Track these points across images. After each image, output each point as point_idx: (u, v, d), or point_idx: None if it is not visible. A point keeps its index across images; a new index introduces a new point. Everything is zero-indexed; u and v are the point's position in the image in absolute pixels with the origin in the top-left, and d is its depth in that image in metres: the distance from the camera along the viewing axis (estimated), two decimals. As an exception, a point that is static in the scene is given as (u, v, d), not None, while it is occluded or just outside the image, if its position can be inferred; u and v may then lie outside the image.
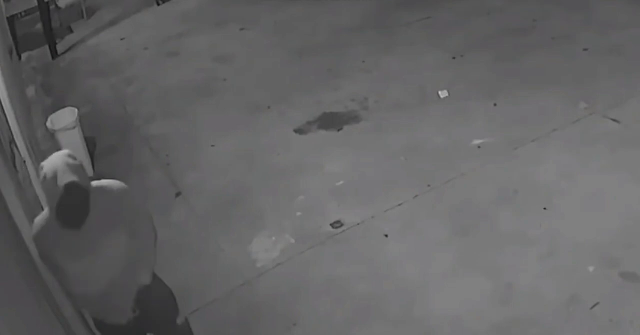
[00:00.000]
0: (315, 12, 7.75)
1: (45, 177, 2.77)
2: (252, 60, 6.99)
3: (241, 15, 8.01)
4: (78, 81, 7.27)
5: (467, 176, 4.82)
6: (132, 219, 3.08)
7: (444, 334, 3.75)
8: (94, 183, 2.97)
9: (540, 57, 6.02)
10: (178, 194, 5.21)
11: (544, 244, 4.15)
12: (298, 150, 5.47)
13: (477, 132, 5.23)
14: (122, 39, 8.04)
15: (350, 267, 4.27)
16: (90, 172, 5.44)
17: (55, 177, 2.75)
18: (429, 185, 4.79)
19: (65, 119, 5.50)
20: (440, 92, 5.80)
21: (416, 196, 4.73)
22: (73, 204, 2.81)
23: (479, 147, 5.09)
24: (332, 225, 4.63)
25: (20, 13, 8.26)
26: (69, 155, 2.86)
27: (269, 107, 6.09)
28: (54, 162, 2.81)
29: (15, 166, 3.95)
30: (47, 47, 7.88)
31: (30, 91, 7.14)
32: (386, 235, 4.47)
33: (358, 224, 4.60)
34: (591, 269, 3.93)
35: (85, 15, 8.75)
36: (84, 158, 5.48)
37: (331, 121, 5.74)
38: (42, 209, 4.08)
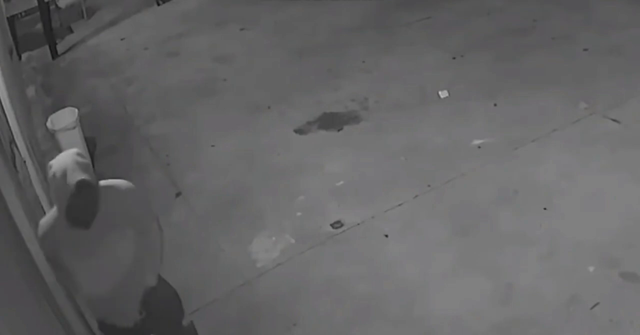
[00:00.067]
0: (315, 12, 7.75)
1: (54, 176, 2.75)
2: (252, 60, 6.99)
3: (241, 15, 8.01)
4: (78, 81, 7.27)
5: (467, 176, 4.82)
6: (140, 219, 3.07)
7: (444, 334, 3.75)
8: (102, 182, 2.95)
9: (540, 57, 6.02)
10: (178, 194, 5.21)
11: (544, 244, 4.15)
12: (298, 150, 5.47)
13: (477, 132, 5.23)
14: (122, 39, 8.04)
15: (350, 267, 4.27)
16: (90, 172, 5.44)
17: (64, 175, 2.73)
18: (429, 185, 4.79)
19: (65, 119, 5.50)
20: (440, 92, 5.80)
21: (416, 196, 4.73)
22: (83, 202, 2.78)
23: (479, 147, 5.09)
24: (332, 225, 4.63)
25: (20, 13, 8.27)
26: (78, 154, 2.83)
27: (269, 107, 6.09)
28: (63, 160, 2.79)
29: (15, 166, 3.95)
30: (47, 47, 7.88)
31: (30, 91, 7.14)
32: (386, 235, 4.47)
33: (358, 224, 4.60)
34: (591, 269, 3.93)
35: (85, 15, 8.76)
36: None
37: (331, 121, 5.74)
38: (42, 209, 4.09)
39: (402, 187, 4.82)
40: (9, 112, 4.45)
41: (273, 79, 6.57)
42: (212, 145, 5.72)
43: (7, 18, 7.80)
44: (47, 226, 2.93)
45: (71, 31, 8.52)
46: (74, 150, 2.88)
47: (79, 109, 5.66)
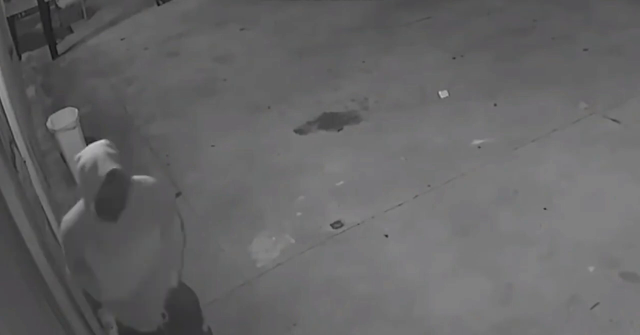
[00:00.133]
0: (315, 12, 7.75)
1: (83, 167, 2.70)
2: (252, 60, 6.99)
3: (241, 15, 8.02)
4: (78, 81, 7.27)
5: (467, 176, 4.82)
6: (165, 216, 3.03)
7: (444, 334, 3.75)
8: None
9: (540, 57, 6.02)
10: (178, 194, 5.21)
11: (544, 244, 4.15)
12: (298, 150, 5.47)
13: (477, 132, 5.23)
14: (122, 39, 8.04)
15: (350, 267, 4.27)
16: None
17: (95, 166, 2.68)
18: (429, 185, 4.79)
19: (65, 119, 5.50)
20: (440, 92, 5.80)
21: (416, 196, 4.73)
22: (114, 192, 2.74)
23: (479, 147, 5.09)
24: (332, 225, 4.63)
25: (20, 13, 8.26)
26: (108, 145, 2.79)
27: (269, 107, 6.09)
28: (93, 151, 2.74)
29: (15, 166, 3.94)
30: (47, 47, 7.88)
31: (30, 91, 7.14)
32: (386, 235, 4.47)
33: (358, 224, 4.59)
34: (591, 269, 3.93)
35: (85, 15, 8.76)
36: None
37: (331, 121, 5.74)
38: (42, 209, 4.09)
39: (402, 187, 4.82)
40: (9, 112, 4.44)
41: (273, 79, 6.57)
42: (212, 145, 5.72)
43: (7, 18, 7.79)
44: (72, 221, 2.87)
45: (71, 31, 8.52)
46: (103, 141, 2.83)
47: (79, 109, 5.65)
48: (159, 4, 8.77)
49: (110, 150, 2.76)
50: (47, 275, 3.07)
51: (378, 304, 3.99)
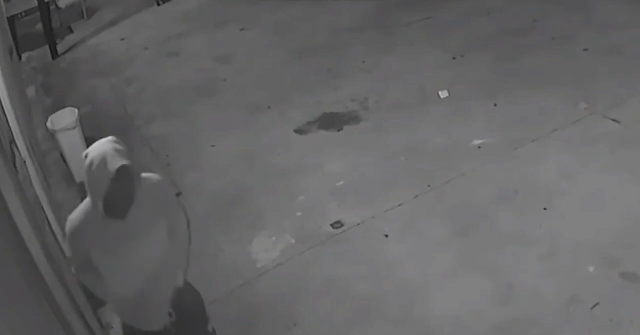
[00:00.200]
0: (315, 12, 7.75)
1: (91, 164, 2.68)
2: (252, 60, 6.99)
3: (241, 15, 8.02)
4: (78, 81, 7.27)
5: (467, 176, 4.82)
6: (172, 213, 3.02)
7: (444, 334, 3.75)
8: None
9: (540, 57, 6.02)
10: (178, 194, 5.20)
11: (544, 244, 4.15)
12: (298, 150, 5.47)
13: (477, 132, 5.23)
14: (122, 39, 8.04)
15: (350, 267, 4.27)
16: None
17: (103, 162, 2.66)
18: (429, 185, 4.79)
19: (65, 119, 5.50)
20: (440, 92, 5.80)
21: (416, 196, 4.73)
22: (122, 188, 2.72)
23: (479, 147, 5.09)
24: (332, 225, 4.63)
25: (20, 13, 8.26)
26: (116, 141, 2.77)
27: (269, 107, 6.09)
28: (101, 148, 2.72)
29: (15, 166, 3.94)
30: (47, 47, 7.88)
31: (30, 91, 7.14)
32: (386, 235, 4.47)
33: (358, 224, 4.60)
34: (591, 269, 3.93)
35: (85, 15, 8.76)
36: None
37: (331, 121, 5.74)
38: (42, 209, 4.09)
39: (402, 187, 4.82)
40: (9, 112, 4.44)
41: (273, 79, 6.57)
42: (212, 145, 5.72)
43: (7, 18, 7.79)
44: (78, 220, 2.84)
45: (71, 31, 8.52)
46: (111, 137, 2.80)
47: (79, 109, 5.65)
48: (159, 4, 8.77)
49: (119, 147, 2.73)
50: (47, 275, 3.07)
51: (378, 304, 3.99)
